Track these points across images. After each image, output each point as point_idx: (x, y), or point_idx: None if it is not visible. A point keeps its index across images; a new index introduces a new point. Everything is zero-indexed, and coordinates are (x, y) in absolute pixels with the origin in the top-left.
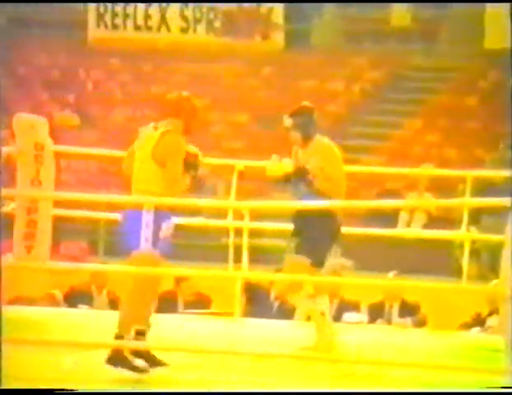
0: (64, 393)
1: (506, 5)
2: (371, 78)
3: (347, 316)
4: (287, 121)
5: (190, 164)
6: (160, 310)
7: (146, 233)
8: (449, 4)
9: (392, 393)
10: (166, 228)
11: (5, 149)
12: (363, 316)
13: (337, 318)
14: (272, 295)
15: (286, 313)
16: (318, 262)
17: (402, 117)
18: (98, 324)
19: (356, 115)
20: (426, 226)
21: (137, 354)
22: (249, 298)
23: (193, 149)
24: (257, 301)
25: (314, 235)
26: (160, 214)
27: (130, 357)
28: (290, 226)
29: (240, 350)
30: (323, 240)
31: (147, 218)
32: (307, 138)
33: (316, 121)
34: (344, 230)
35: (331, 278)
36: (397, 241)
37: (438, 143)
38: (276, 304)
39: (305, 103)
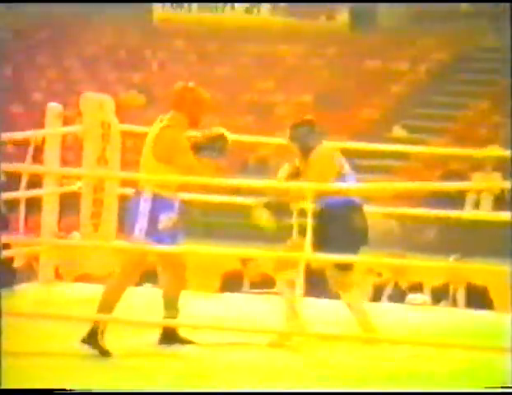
0: (64, 393)
1: (506, 5)
2: (437, 58)
3: (411, 297)
4: (287, 133)
5: (216, 147)
6: (225, 289)
7: (141, 222)
8: None
9: (392, 393)
10: (166, 219)
11: (72, 128)
12: (426, 297)
13: (401, 299)
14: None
15: None
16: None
17: (469, 98)
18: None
19: (421, 96)
20: (493, 208)
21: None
22: (308, 278)
23: (218, 130)
24: (316, 281)
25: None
26: (160, 204)
27: (102, 342)
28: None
29: (304, 331)
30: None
31: (144, 207)
32: (306, 150)
33: (317, 133)
34: (409, 211)
35: (395, 261)
36: (463, 223)
37: (504, 124)
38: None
39: (307, 116)
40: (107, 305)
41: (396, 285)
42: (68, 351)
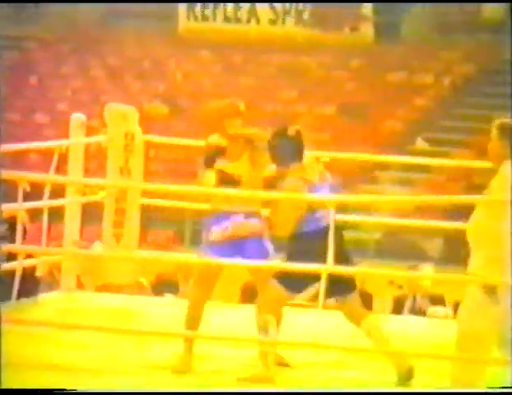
0: (64, 393)
1: (506, 5)
2: (462, 71)
3: (432, 310)
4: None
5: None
6: (246, 300)
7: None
8: None
9: (392, 393)
10: (216, 231)
11: (96, 138)
12: (448, 310)
13: (422, 312)
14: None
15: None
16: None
17: (492, 110)
18: (184, 313)
19: (445, 108)
20: None
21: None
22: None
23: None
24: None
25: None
26: (214, 217)
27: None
28: (375, 219)
29: (326, 344)
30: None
31: (206, 221)
32: None
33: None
34: (429, 223)
35: (413, 273)
36: None
37: None
38: None
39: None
40: (190, 323)
41: (416, 297)
42: (91, 361)
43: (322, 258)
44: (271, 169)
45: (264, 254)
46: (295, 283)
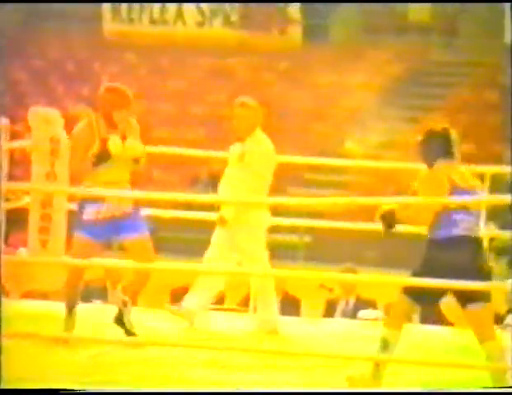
0: (66, 393)
1: (506, 5)
2: (389, 73)
3: (363, 313)
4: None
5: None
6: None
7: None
8: None
9: (392, 393)
10: (90, 211)
11: (20, 142)
12: (379, 313)
13: (353, 315)
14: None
15: (291, 308)
16: None
17: (421, 111)
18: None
19: (373, 109)
20: None
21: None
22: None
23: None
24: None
25: None
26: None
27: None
28: (304, 222)
29: (255, 347)
30: None
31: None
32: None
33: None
34: (361, 226)
35: (348, 276)
36: (417, 238)
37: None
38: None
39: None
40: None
41: (348, 301)
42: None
43: (451, 271)
44: None
45: (140, 230)
46: (426, 296)
